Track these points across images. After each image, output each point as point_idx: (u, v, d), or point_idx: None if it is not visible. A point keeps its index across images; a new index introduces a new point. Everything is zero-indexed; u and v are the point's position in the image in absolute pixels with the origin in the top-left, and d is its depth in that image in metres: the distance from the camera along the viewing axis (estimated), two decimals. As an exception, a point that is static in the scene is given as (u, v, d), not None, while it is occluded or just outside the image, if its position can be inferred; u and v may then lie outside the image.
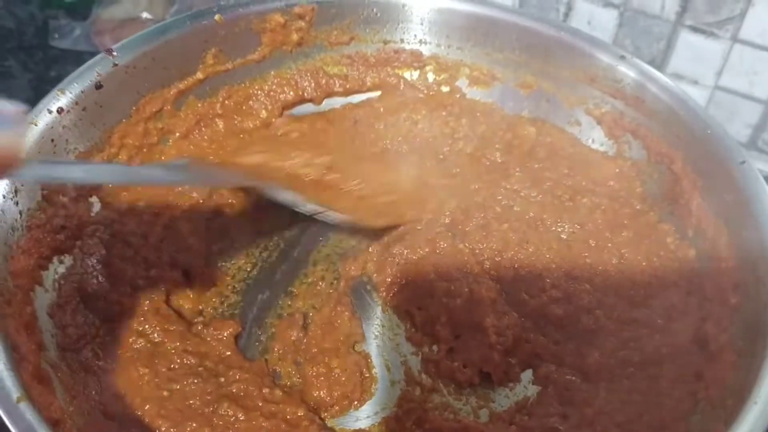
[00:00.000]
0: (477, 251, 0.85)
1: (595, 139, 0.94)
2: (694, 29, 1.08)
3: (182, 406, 0.69)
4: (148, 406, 0.68)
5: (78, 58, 1.19)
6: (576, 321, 0.78)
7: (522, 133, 0.94)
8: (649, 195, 0.88)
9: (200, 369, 0.73)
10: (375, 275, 0.86)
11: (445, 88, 1.01)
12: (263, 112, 0.97)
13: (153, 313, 0.77)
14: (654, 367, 0.73)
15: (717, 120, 0.82)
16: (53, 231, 0.75)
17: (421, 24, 0.98)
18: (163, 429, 0.67)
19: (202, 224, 0.86)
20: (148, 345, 0.74)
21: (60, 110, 0.76)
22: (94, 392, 0.69)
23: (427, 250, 0.85)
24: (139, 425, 0.67)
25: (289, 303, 0.84)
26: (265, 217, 0.89)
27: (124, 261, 0.79)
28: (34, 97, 1.11)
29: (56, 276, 0.74)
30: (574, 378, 0.75)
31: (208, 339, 0.77)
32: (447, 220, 0.88)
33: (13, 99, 1.11)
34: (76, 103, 0.78)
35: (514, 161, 0.93)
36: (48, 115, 0.76)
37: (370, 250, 0.88)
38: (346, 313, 0.81)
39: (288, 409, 0.71)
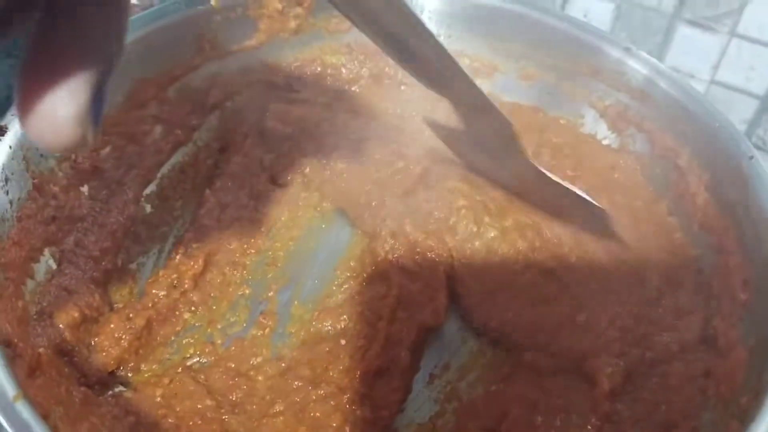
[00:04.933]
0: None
1: (599, 131, 0.93)
2: (692, 23, 1.08)
3: None
4: None
5: (62, 44, 1.15)
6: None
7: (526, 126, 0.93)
8: (655, 190, 0.87)
9: None
10: None
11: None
12: (259, 100, 0.94)
13: None
14: (663, 365, 0.71)
15: (724, 114, 0.81)
16: (44, 222, 0.72)
17: (422, 12, 0.96)
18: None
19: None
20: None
21: (51, 96, 0.73)
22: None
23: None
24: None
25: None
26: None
27: None
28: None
29: (48, 268, 0.72)
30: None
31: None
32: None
33: (-4, 85, 1.09)
34: (68, 89, 0.75)
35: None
36: (38, 101, 0.72)
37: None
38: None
39: None
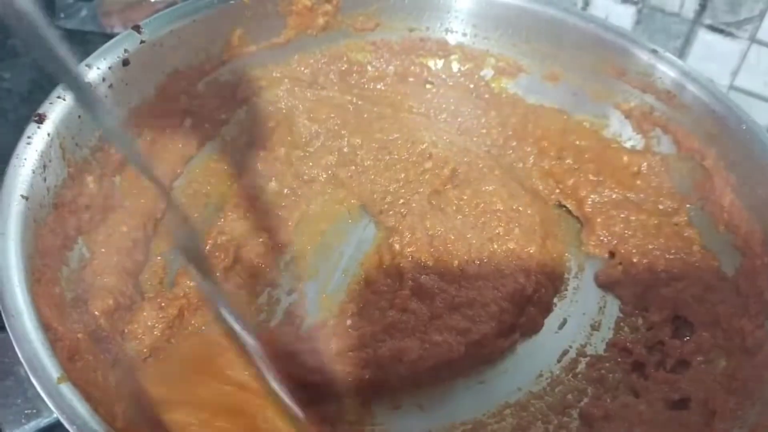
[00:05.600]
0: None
1: (624, 133, 0.93)
2: (712, 28, 1.08)
3: None
4: None
5: (84, 39, 1.16)
6: None
7: (549, 128, 0.94)
8: (679, 191, 0.87)
9: None
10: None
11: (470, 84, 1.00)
12: (285, 96, 0.95)
13: None
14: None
15: (750, 115, 0.82)
16: (78, 210, 0.73)
17: (448, 12, 0.97)
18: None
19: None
20: None
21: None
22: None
23: None
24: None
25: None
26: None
27: None
28: (38, 76, 1.09)
29: (81, 256, 0.72)
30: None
31: None
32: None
33: (17, 78, 1.09)
34: (103, 80, 0.76)
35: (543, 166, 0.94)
36: (76, 90, 0.73)
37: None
38: None
39: None
